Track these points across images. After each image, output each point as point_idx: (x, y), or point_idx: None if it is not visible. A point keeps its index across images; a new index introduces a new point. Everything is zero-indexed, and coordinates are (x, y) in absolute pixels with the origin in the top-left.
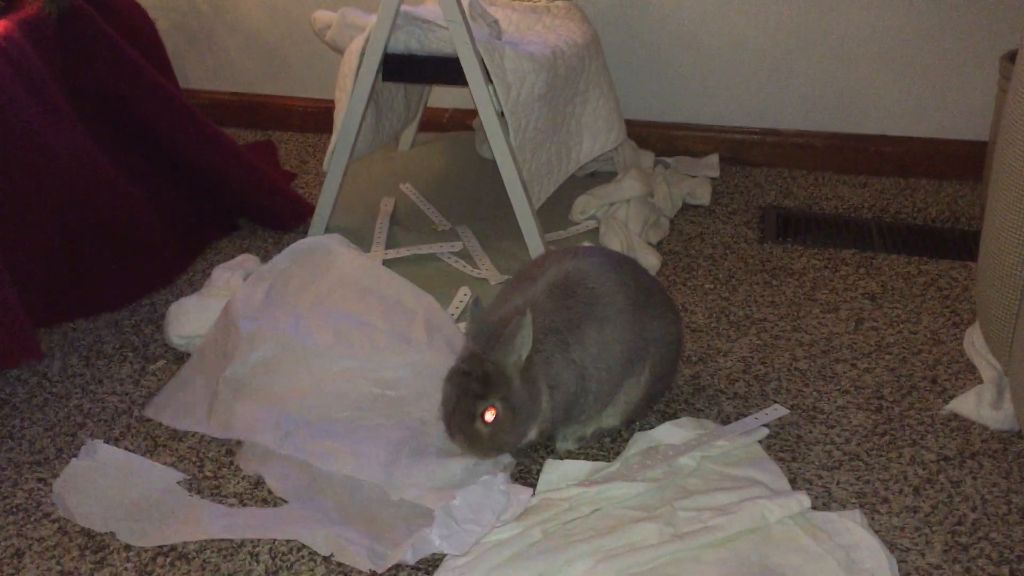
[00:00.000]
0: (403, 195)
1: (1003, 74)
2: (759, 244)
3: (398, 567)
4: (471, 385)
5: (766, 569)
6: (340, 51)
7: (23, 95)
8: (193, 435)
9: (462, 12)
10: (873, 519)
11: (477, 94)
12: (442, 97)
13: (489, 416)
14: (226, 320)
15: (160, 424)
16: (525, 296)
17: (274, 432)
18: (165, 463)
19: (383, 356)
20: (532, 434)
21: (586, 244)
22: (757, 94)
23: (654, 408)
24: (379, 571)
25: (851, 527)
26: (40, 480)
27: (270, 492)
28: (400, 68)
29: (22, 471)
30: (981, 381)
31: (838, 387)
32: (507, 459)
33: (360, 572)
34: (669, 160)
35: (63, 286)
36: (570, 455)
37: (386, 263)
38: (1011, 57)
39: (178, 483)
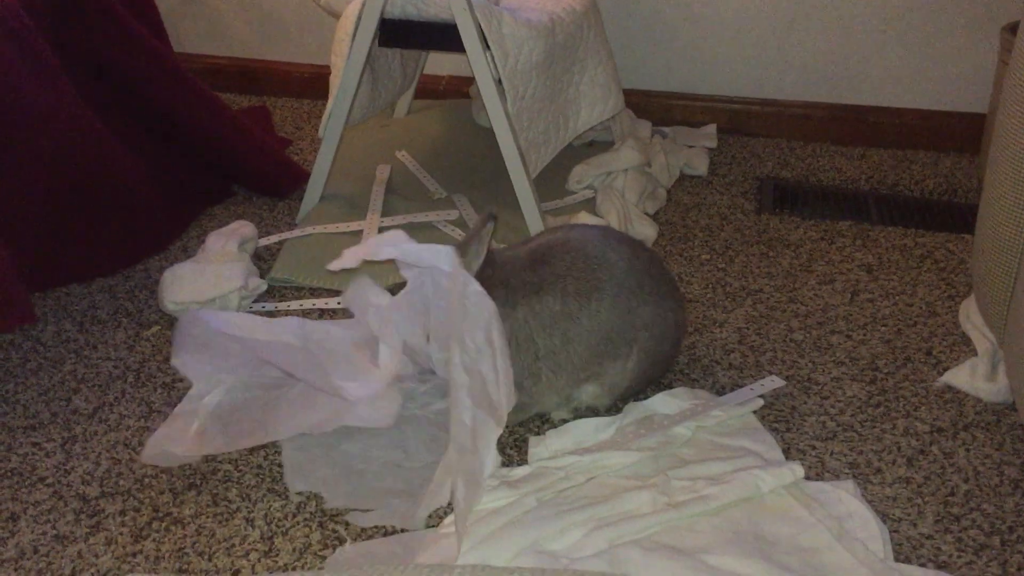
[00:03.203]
0: (399, 162)
1: (1003, 46)
2: (756, 215)
3: (385, 533)
4: None
5: (759, 538)
6: (336, 15)
7: (16, 59)
8: None
9: None
10: (866, 489)
11: (474, 61)
12: (439, 64)
13: None
14: None
15: (155, 390)
16: (513, 248)
17: None
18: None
19: None
20: None
21: (592, 223)
22: (756, 64)
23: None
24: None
25: (844, 497)
26: (34, 444)
27: (265, 458)
28: (397, 34)
29: (16, 435)
30: (976, 353)
31: (833, 358)
32: None
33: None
34: (667, 130)
35: (57, 251)
36: (563, 423)
37: (381, 231)
38: (1012, 29)
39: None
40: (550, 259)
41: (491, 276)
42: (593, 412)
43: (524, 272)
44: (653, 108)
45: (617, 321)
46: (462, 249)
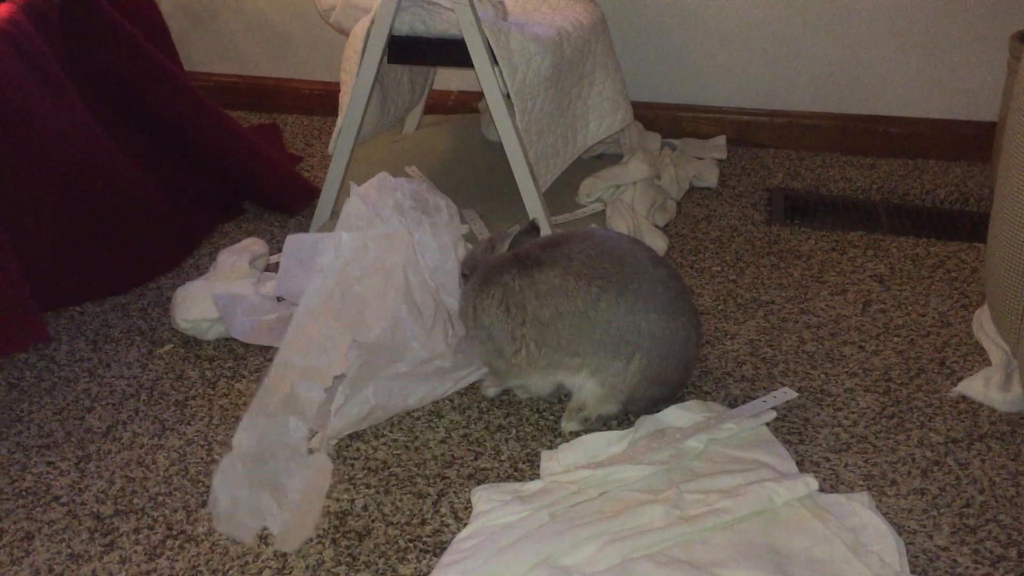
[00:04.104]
0: (409, 178)
1: (1013, 54)
2: (766, 226)
3: (409, 539)
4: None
5: (773, 551)
6: (345, 33)
7: (27, 79)
8: (201, 418)
9: None
10: (881, 501)
11: (483, 76)
12: (447, 79)
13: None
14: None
15: (168, 408)
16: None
17: None
18: (173, 446)
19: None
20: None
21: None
22: (764, 75)
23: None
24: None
25: (859, 509)
26: (49, 463)
27: None
28: (405, 50)
29: (31, 455)
30: (989, 363)
31: (846, 369)
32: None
33: (368, 566)
34: (676, 142)
35: (70, 270)
36: (574, 436)
37: None
38: (1021, 36)
39: None
40: (564, 242)
41: (508, 251)
42: (604, 424)
43: (536, 250)
44: (662, 120)
45: (618, 317)
46: (491, 242)
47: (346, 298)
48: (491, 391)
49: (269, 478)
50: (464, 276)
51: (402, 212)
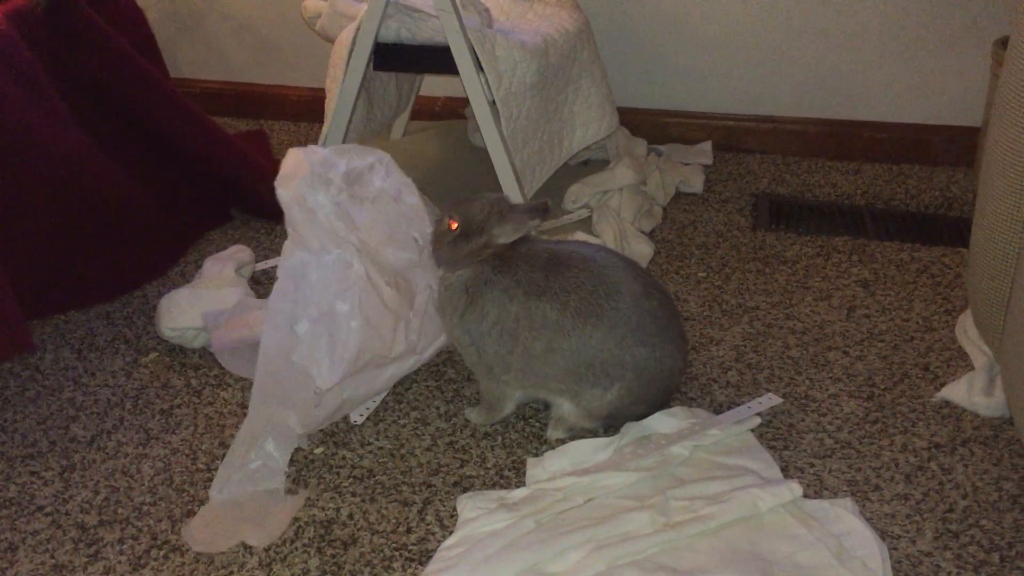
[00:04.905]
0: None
1: (995, 60)
2: (752, 232)
3: (395, 548)
4: (451, 202)
5: (758, 557)
6: (330, 40)
7: (12, 86)
8: (187, 427)
9: (453, 1)
10: (864, 507)
11: (468, 83)
12: (434, 86)
13: (454, 225)
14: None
15: (153, 417)
16: (544, 242)
17: None
18: (158, 456)
19: None
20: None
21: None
22: (750, 81)
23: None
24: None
25: (842, 515)
26: (33, 473)
27: None
28: (391, 57)
29: (15, 464)
30: (973, 368)
31: (830, 375)
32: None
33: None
34: (662, 148)
35: (55, 278)
36: (560, 443)
37: None
38: (1003, 43)
39: None
40: (565, 269)
41: (508, 258)
42: (590, 432)
43: (536, 272)
44: (648, 126)
45: (605, 353)
46: (503, 213)
47: (304, 337)
48: (473, 418)
49: (247, 513)
50: (457, 238)
51: (340, 207)
